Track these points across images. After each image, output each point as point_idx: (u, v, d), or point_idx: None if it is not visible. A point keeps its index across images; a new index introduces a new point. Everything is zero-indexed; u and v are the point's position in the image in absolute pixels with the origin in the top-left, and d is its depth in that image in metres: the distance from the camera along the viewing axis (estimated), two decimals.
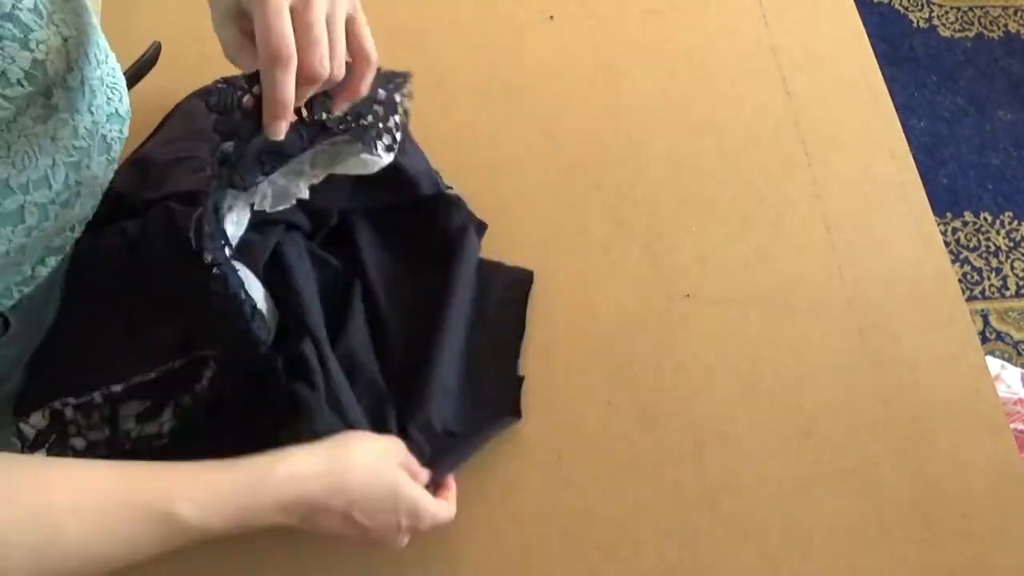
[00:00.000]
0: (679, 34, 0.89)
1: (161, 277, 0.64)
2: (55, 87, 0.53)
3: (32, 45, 0.50)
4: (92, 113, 0.58)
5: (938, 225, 0.84)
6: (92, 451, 0.60)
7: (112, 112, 0.61)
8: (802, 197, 0.82)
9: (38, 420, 0.60)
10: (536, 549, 0.65)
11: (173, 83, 0.78)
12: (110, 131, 0.61)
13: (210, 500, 0.49)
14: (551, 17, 0.89)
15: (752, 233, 0.79)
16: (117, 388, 0.60)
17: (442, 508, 0.60)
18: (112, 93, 0.62)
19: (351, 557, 0.63)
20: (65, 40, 0.53)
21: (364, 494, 0.55)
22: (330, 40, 0.47)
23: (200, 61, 0.80)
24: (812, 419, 0.72)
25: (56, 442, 0.60)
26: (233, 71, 0.50)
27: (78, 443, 0.60)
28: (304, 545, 0.63)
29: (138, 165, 0.72)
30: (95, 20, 0.61)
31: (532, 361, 0.71)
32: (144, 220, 0.66)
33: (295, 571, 0.62)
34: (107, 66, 0.62)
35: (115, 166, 0.63)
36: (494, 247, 0.75)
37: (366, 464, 0.56)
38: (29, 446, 0.60)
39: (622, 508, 0.67)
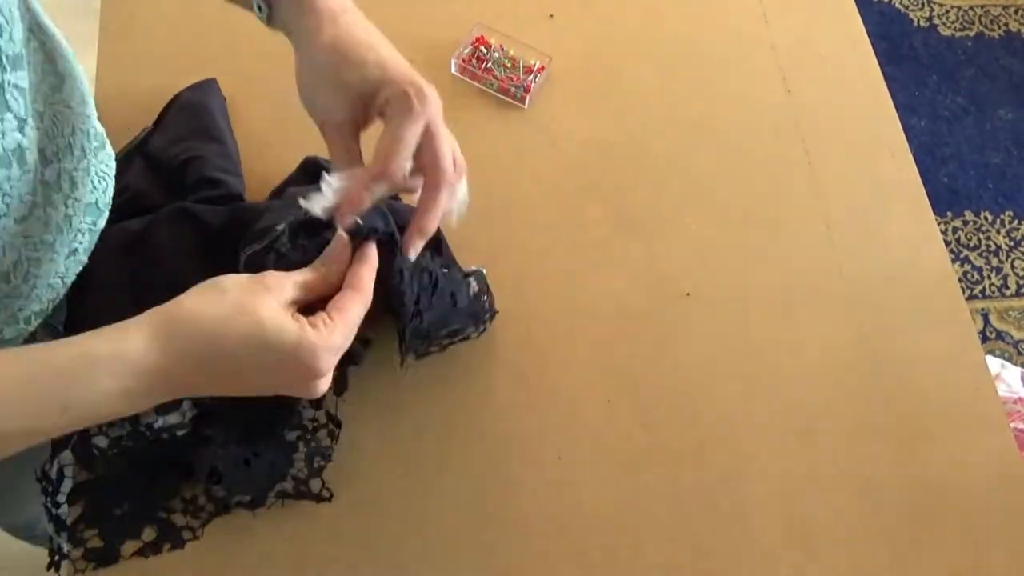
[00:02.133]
0: (679, 33, 0.89)
1: (182, 272, 0.64)
2: (37, 182, 0.51)
3: (25, 131, 0.49)
4: (67, 207, 0.56)
5: (938, 224, 0.84)
6: (116, 446, 0.61)
7: (91, 203, 0.59)
8: (802, 196, 0.82)
9: None
10: (536, 549, 0.65)
11: (173, 82, 0.78)
12: (82, 222, 0.59)
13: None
14: (551, 16, 0.89)
15: (752, 232, 0.79)
16: None
17: (322, 327, 0.45)
18: (98, 183, 0.60)
19: (349, 556, 0.63)
20: (44, 134, 0.52)
21: (217, 354, 0.44)
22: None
23: (199, 61, 0.81)
24: (812, 418, 0.72)
25: (79, 442, 0.60)
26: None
27: (101, 441, 0.61)
28: (302, 542, 0.63)
29: (147, 162, 0.72)
30: (90, 108, 0.59)
31: (532, 360, 0.71)
32: (154, 216, 0.67)
33: (294, 570, 0.62)
34: (98, 155, 0.60)
35: (83, 259, 0.61)
36: (493, 246, 0.75)
37: (206, 320, 0.44)
38: (51, 447, 0.61)
39: (622, 508, 0.67)
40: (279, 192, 0.72)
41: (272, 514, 0.63)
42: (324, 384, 0.48)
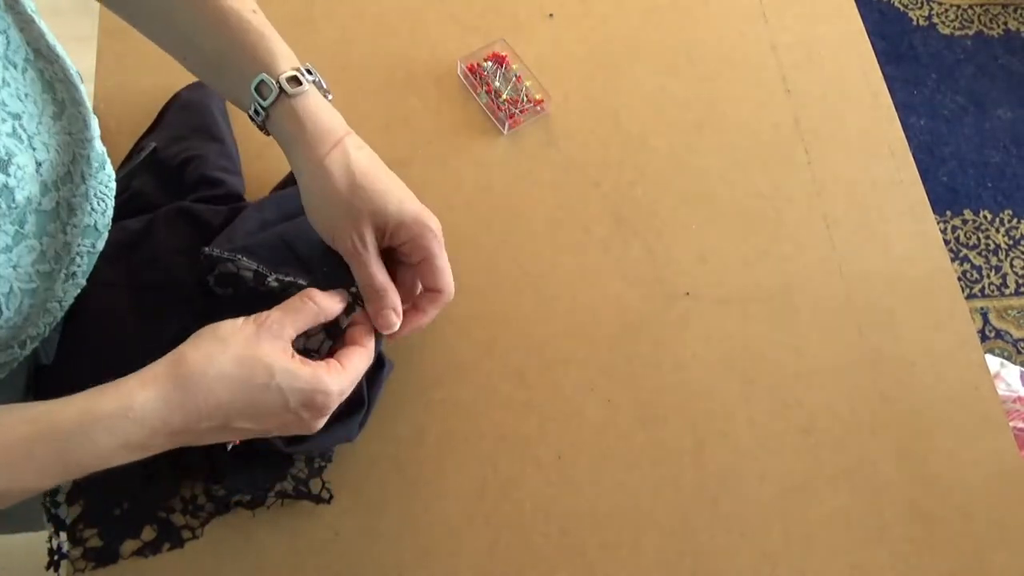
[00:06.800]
0: (679, 32, 0.89)
1: (182, 271, 0.64)
2: (28, 213, 0.51)
3: (10, 170, 0.48)
4: (66, 233, 0.55)
5: (938, 223, 0.84)
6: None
7: (90, 225, 0.59)
8: (802, 195, 0.82)
9: None
10: (536, 549, 0.65)
11: (173, 82, 0.78)
12: (81, 246, 0.58)
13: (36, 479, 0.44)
14: (551, 15, 0.89)
15: (752, 231, 0.79)
16: None
17: (334, 371, 0.49)
18: (97, 205, 0.59)
19: (349, 556, 0.63)
20: (39, 164, 0.51)
21: (229, 406, 0.46)
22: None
23: None
24: (812, 417, 0.72)
25: None
26: None
27: None
28: (302, 542, 0.63)
29: (151, 164, 0.72)
30: (91, 131, 0.58)
31: (532, 359, 0.71)
32: (154, 215, 0.67)
33: (294, 570, 0.62)
34: (98, 177, 0.59)
35: (81, 281, 0.60)
36: (493, 245, 0.75)
37: (213, 375, 0.45)
38: None
39: (622, 506, 0.67)
40: (280, 191, 0.72)
41: (272, 514, 0.63)
42: (323, 422, 0.51)
